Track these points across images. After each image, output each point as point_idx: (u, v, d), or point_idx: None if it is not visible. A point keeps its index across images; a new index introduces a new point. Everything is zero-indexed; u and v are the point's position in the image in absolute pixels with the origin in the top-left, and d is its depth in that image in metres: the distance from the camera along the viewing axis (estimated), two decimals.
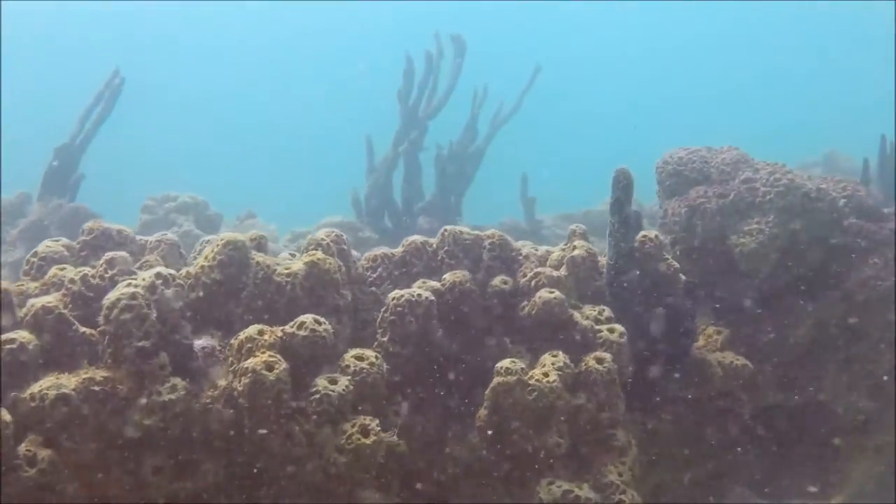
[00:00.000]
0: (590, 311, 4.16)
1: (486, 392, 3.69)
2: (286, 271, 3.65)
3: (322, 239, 3.87)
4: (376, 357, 3.56)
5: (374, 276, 4.20)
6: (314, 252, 3.74)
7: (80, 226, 8.06)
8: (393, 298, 3.82)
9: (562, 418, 3.71)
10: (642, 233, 4.39)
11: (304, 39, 41.06)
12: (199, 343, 3.65)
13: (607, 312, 4.16)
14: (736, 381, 4.45)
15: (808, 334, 4.72)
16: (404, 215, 9.51)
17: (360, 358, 3.52)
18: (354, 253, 4.34)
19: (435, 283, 4.05)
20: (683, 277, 4.46)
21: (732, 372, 4.46)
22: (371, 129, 10.02)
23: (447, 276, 4.07)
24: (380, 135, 10.05)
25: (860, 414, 4.65)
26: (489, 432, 3.67)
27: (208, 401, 3.38)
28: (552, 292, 3.97)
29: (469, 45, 10.37)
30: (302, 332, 3.42)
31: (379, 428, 3.39)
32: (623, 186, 4.21)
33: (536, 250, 4.53)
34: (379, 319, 3.87)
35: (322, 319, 3.48)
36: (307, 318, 3.46)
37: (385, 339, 3.82)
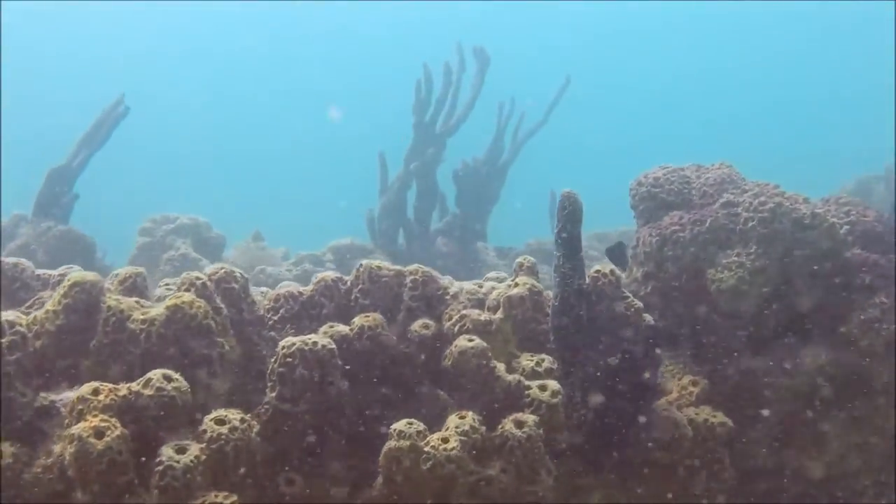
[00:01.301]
0: (527, 361, 3.55)
1: (380, 459, 3.12)
2: (142, 317, 3.12)
3: (197, 278, 3.33)
4: (241, 420, 3.00)
5: (276, 318, 3.64)
6: (180, 295, 3.19)
7: (69, 250, 7.81)
8: (283, 347, 3.26)
9: (465, 493, 3.09)
10: (595, 267, 3.75)
11: (313, 43, 40.27)
12: (60, 398, 3.16)
13: (547, 363, 3.53)
14: (711, 443, 3.76)
15: (807, 384, 3.99)
16: (418, 237, 8.93)
17: (220, 421, 2.97)
18: (258, 293, 3.80)
19: (343, 328, 3.48)
20: (650, 319, 3.80)
21: (707, 432, 3.77)
22: (387, 145, 9.47)
23: (356, 320, 3.50)
24: (397, 150, 9.49)
25: (865, 483, 3.90)
26: None
27: (40, 470, 2.88)
28: (471, 340, 3.36)
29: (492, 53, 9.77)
30: (147, 391, 2.88)
31: None
32: (568, 213, 3.58)
33: (481, 287, 3.93)
34: (269, 372, 3.31)
35: (174, 375, 2.93)
36: (155, 374, 2.92)
37: (273, 394, 3.26)
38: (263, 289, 4.26)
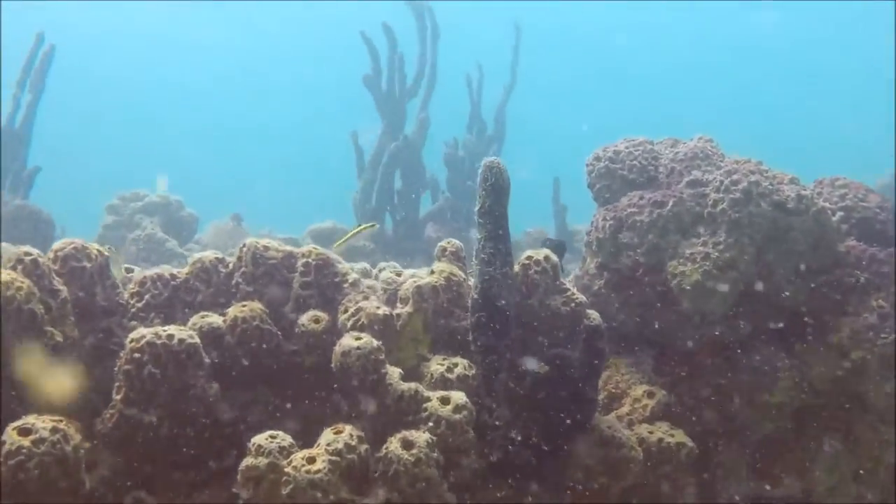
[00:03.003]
0: (437, 365, 2.93)
1: (237, 478, 2.53)
2: None
3: (26, 254, 2.74)
4: (54, 429, 2.41)
5: (140, 304, 3.05)
6: None
7: (24, 226, 7.31)
8: (131, 340, 2.68)
9: None
10: (526, 253, 3.12)
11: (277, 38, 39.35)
12: None
13: (461, 369, 2.91)
14: (668, 468, 3.12)
15: (791, 399, 3.33)
16: (405, 222, 8.30)
17: (25, 431, 2.38)
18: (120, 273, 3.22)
19: (216, 319, 2.89)
20: (595, 317, 3.15)
21: (662, 454, 3.13)
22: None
23: (231, 311, 2.91)
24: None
25: None
26: None
27: None
28: (359, 339, 2.74)
29: (443, 20, 9.05)
30: None
31: None
32: (492, 185, 2.95)
33: (399, 275, 3.32)
34: (116, 369, 2.73)
35: None
36: None
37: (119, 397, 2.68)
38: (166, 266, 3.68)
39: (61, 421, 2.50)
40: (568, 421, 2.99)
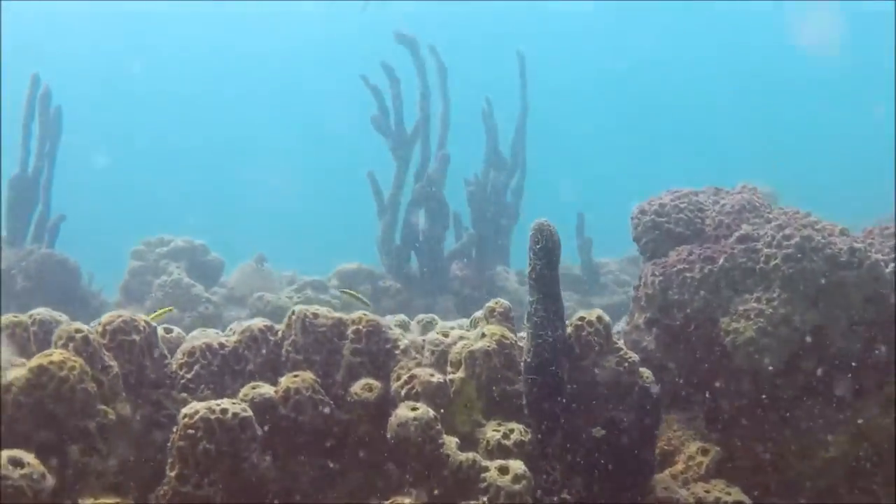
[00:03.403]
0: (493, 431, 2.89)
1: None
2: None
3: (77, 331, 2.71)
4: None
5: (190, 375, 3.02)
6: (49, 353, 2.58)
7: (52, 275, 7.31)
8: (184, 416, 2.65)
9: None
10: (579, 313, 3.08)
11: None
12: None
13: (518, 434, 2.87)
14: None
15: (846, 454, 3.27)
16: (430, 261, 8.26)
17: None
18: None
19: (268, 389, 2.86)
20: (649, 377, 3.12)
21: None
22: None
23: (283, 381, 2.87)
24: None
25: None
26: None
27: None
28: (415, 409, 2.71)
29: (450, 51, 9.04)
30: None
31: None
32: (542, 249, 2.92)
33: (446, 336, 3.28)
34: (169, 445, 2.70)
35: (26, 459, 2.33)
36: (1, 457, 2.31)
37: (173, 473, 2.65)
38: (211, 331, 3.65)
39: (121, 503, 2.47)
40: (625, 484, 2.95)
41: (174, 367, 3.03)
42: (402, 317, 3.91)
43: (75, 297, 7.20)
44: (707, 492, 3.13)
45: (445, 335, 3.28)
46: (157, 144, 34.63)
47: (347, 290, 6.62)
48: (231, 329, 3.58)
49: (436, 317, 4.10)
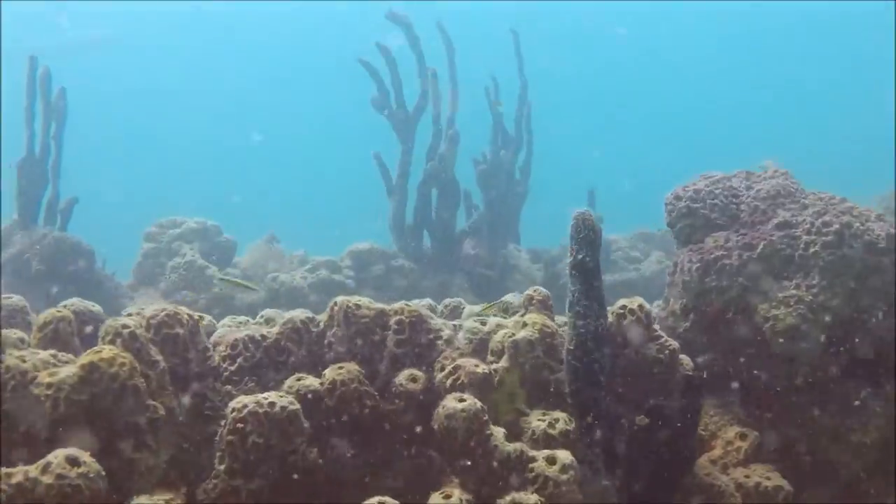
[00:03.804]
0: (537, 421, 2.90)
1: None
2: (49, 380, 2.51)
3: (124, 326, 2.71)
4: None
5: (233, 367, 3.02)
6: (99, 349, 2.58)
7: (64, 259, 7.28)
8: (233, 410, 2.66)
9: None
10: (620, 302, 3.09)
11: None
12: None
13: (563, 423, 2.87)
14: None
15: (881, 439, 3.29)
16: (442, 240, 8.24)
17: None
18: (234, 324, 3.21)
19: (313, 382, 2.87)
20: (687, 362, 3.13)
21: (759, 498, 3.10)
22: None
23: (328, 373, 2.88)
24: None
25: None
26: None
27: None
28: (462, 400, 2.72)
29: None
30: (46, 479, 2.28)
31: None
32: (584, 240, 2.92)
33: (484, 324, 3.28)
34: (217, 439, 2.71)
35: (82, 457, 2.33)
36: (58, 455, 2.32)
37: (222, 467, 2.66)
38: (241, 318, 3.65)
39: (172, 500, 2.49)
40: (667, 470, 2.97)
41: (217, 359, 3.03)
42: (428, 300, 3.91)
43: (90, 281, 7.18)
44: (747, 476, 3.15)
45: (483, 324, 3.29)
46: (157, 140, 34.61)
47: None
48: (261, 316, 3.59)
49: (462, 300, 4.12)
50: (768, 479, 3.15)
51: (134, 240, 8.21)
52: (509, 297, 3.87)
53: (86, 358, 2.54)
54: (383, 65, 8.43)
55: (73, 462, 2.32)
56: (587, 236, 2.91)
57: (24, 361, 2.53)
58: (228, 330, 3.21)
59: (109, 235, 9.31)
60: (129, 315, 3.02)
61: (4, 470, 2.31)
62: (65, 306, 3.23)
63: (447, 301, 4.07)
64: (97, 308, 3.39)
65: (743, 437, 3.30)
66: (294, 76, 37.36)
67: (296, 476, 2.72)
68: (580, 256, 2.91)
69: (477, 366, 2.89)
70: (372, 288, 7.82)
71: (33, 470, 2.31)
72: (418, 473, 2.92)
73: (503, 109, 9.14)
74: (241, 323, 3.49)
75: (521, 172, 9.05)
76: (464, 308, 3.97)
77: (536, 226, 9.85)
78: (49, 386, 2.49)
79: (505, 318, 3.37)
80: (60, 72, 7.76)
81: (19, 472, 2.31)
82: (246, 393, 2.90)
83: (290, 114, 36.93)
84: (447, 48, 8.90)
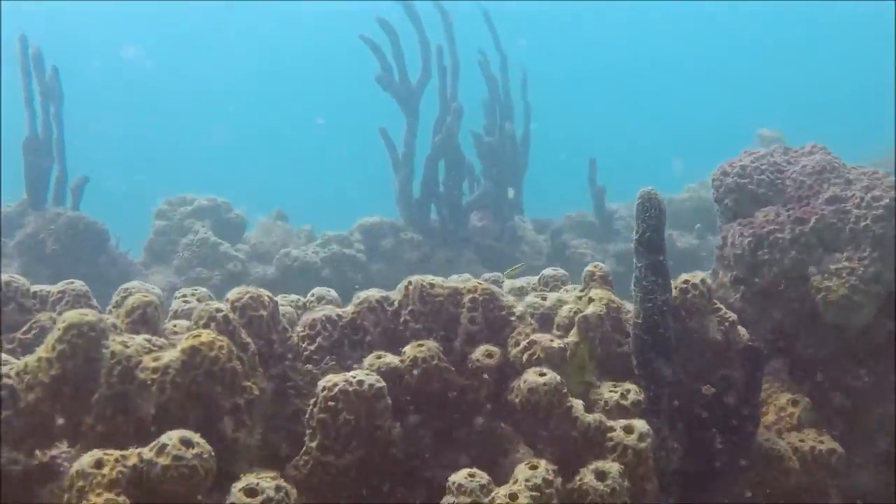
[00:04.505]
0: (609, 392, 3.02)
1: None
2: (153, 364, 2.59)
3: (217, 310, 2.79)
4: (277, 488, 2.49)
5: (313, 347, 3.12)
6: (198, 333, 2.66)
7: (78, 238, 7.30)
8: (323, 389, 2.75)
9: None
10: (683, 277, 3.21)
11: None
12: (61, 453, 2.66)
13: (633, 394, 2.99)
14: (820, 475, 3.23)
15: None
16: (450, 213, 8.34)
17: (251, 492, 2.46)
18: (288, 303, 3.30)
19: (393, 359, 2.96)
20: (744, 334, 3.26)
21: (816, 462, 3.24)
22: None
23: (408, 350, 2.97)
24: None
25: None
26: None
27: None
28: (543, 374, 2.83)
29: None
30: (162, 460, 2.37)
31: None
32: (651, 218, 3.03)
33: (545, 300, 3.40)
34: (307, 417, 2.80)
35: (194, 439, 2.41)
36: (171, 437, 2.39)
37: (314, 444, 2.75)
38: (293, 297, 3.74)
39: (277, 477, 2.58)
40: (735, 435, 3.10)
41: (295, 339, 3.12)
42: (467, 276, 4.01)
43: (105, 260, 7.22)
44: (802, 441, 3.29)
45: (543, 298, 3.40)
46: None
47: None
48: (312, 293, 3.68)
49: (500, 275, 4.24)
50: (821, 442, 3.28)
51: (140, 217, 8.26)
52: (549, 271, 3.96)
53: (186, 342, 2.62)
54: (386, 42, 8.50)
55: (187, 443, 2.40)
56: (653, 214, 3.02)
57: (127, 347, 2.61)
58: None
59: (117, 213, 9.31)
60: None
61: (119, 453, 2.39)
62: (125, 289, 3.34)
63: (486, 276, 4.18)
64: (157, 290, 3.48)
65: (795, 403, 3.43)
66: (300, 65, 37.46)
67: (379, 451, 2.82)
68: (647, 234, 3.02)
69: (552, 340, 3.00)
70: (383, 261, 7.92)
71: (147, 452, 2.39)
72: (490, 444, 3.03)
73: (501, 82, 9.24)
74: (292, 303, 3.58)
75: (521, 144, 9.16)
76: (503, 282, 4.09)
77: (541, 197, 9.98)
78: (155, 370, 2.57)
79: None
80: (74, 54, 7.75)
81: (133, 455, 2.40)
82: (326, 372, 3.00)
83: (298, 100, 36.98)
84: (446, 27, 8.94)
